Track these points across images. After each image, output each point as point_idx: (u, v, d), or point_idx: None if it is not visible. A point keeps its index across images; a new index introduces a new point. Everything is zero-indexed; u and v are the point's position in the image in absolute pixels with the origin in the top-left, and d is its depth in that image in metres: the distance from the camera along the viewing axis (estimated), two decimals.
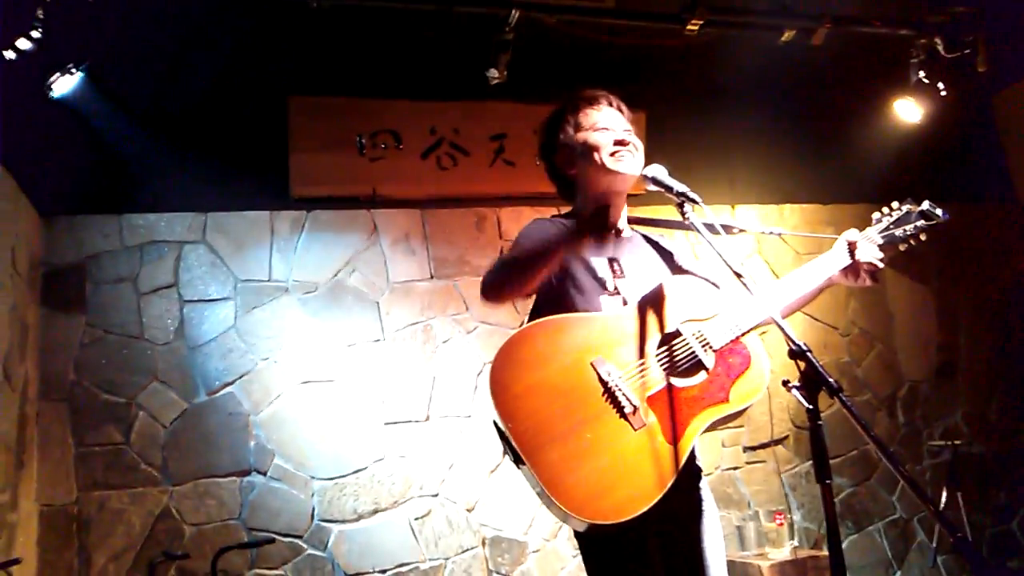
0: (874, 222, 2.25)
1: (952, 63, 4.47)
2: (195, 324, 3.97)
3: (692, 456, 2.05)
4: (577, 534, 2.06)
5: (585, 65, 4.43)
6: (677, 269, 2.28)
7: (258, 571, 3.77)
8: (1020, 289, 5.40)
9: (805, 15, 4.26)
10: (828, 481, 1.62)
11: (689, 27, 4.12)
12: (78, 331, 3.83)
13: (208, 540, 3.70)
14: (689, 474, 2.08)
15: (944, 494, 4.53)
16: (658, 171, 2.09)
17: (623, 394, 1.92)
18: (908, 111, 4.71)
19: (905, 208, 2.23)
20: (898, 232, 2.22)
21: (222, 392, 3.92)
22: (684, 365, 1.99)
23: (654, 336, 2.01)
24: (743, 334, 2.03)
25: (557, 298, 2.11)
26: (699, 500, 2.12)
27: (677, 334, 2.02)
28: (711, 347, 2.00)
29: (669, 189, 2.03)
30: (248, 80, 4.26)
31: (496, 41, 3.92)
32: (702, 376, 1.98)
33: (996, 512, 4.93)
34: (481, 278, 2.08)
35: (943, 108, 4.73)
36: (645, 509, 1.84)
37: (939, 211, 2.22)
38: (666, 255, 2.29)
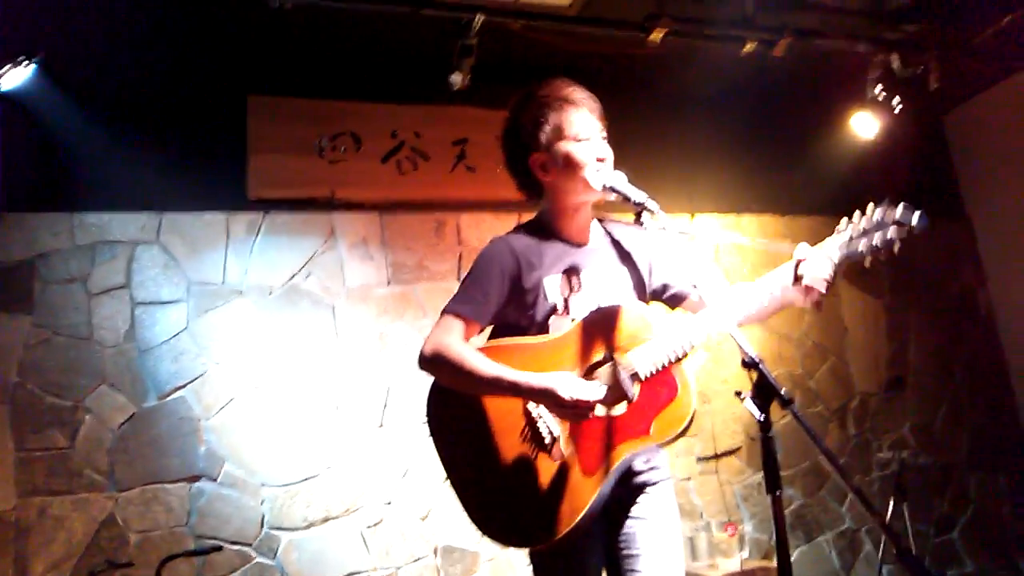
0: (836, 233, 1.98)
1: (906, 80, 4.56)
2: (147, 326, 3.88)
3: (630, 473, 2.05)
4: (528, 553, 2.07)
5: (548, 72, 4.44)
6: (646, 277, 2.24)
7: None
8: (966, 305, 5.53)
9: (767, 27, 4.32)
10: (778, 492, 1.62)
11: (652, 36, 4.15)
12: (23, 331, 3.71)
13: (154, 548, 3.62)
14: (634, 488, 2.08)
15: (891, 504, 4.61)
16: (617, 180, 2.09)
17: (545, 425, 1.95)
18: (864, 125, 4.80)
19: (877, 215, 1.91)
20: (862, 245, 1.91)
21: (173, 396, 3.84)
22: (609, 396, 1.96)
23: (584, 363, 2.01)
24: (672, 363, 1.97)
25: (512, 321, 2.13)
26: (643, 510, 2.09)
27: (607, 360, 2.02)
28: (638, 377, 1.98)
29: (627, 198, 2.03)
30: (207, 78, 4.19)
31: (460, 46, 3.90)
32: (623, 407, 1.97)
33: (939, 522, 5.04)
34: (421, 350, 2.05)
35: (897, 124, 4.83)
36: (551, 540, 1.88)
37: (915, 218, 1.87)
38: (636, 262, 2.25)
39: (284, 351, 4.02)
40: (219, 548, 3.62)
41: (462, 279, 2.17)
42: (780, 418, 3.99)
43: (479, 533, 1.90)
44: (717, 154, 4.94)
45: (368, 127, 4.36)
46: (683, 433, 1.97)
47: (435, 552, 4.04)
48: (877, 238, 1.89)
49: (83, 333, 3.79)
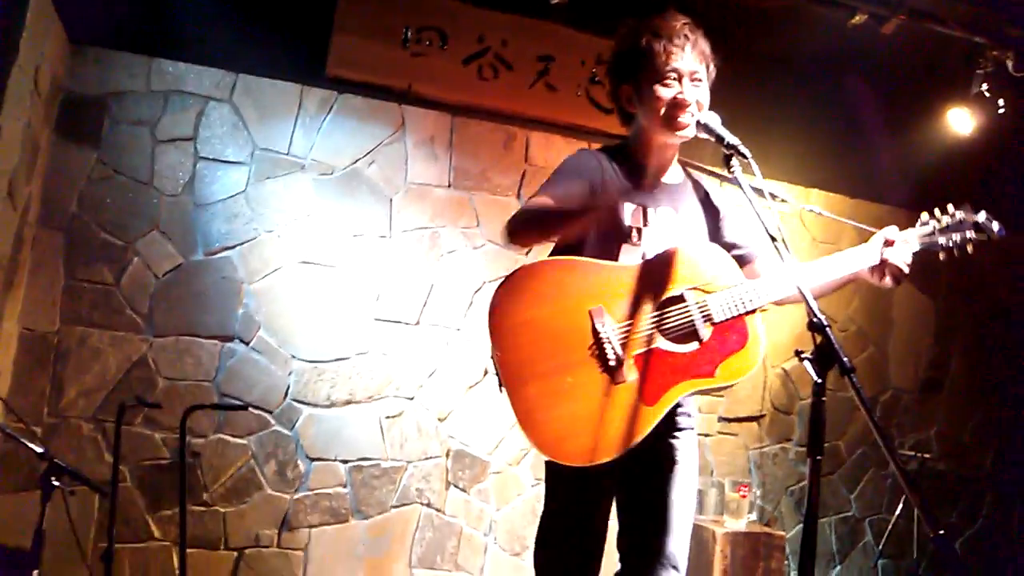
0: (919, 224, 2.17)
1: (1018, 82, 4.37)
2: (206, 182, 3.91)
3: (674, 412, 2.05)
4: (546, 460, 2.07)
5: (646, 5, 4.31)
6: (717, 229, 2.23)
7: (222, 436, 3.80)
8: (1019, 321, 5.39)
9: (882, 1, 4.14)
10: (819, 457, 1.64)
11: None
12: (88, 165, 3.76)
13: (179, 396, 3.71)
14: (669, 426, 2.08)
15: (902, 503, 4.60)
16: (712, 119, 2.05)
17: (611, 347, 1.93)
18: (961, 121, 4.62)
19: (959, 215, 2.15)
20: (941, 240, 2.14)
21: (220, 255, 3.89)
22: (679, 332, 1.98)
23: (659, 296, 1.99)
24: (747, 313, 1.99)
25: (581, 236, 2.09)
26: (671, 451, 2.12)
27: (680, 299, 2.00)
28: (711, 319, 1.97)
29: (720, 140, 2.00)
30: None
31: None
32: (694, 346, 1.97)
33: (945, 530, 5.00)
34: (506, 222, 2.04)
35: (996, 126, 4.64)
36: (603, 461, 1.87)
37: (995, 225, 2.14)
38: (712, 211, 2.23)
39: (335, 232, 4.04)
40: (243, 408, 3.71)
41: (545, 180, 2.12)
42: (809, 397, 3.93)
43: (527, 440, 1.88)
44: (797, 123, 4.79)
45: (457, 26, 4.28)
46: (740, 380, 1.99)
47: (447, 454, 4.10)
48: (956, 237, 2.13)
49: (144, 177, 3.83)
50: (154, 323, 3.77)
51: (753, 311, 2.00)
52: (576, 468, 1.89)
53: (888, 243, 2.11)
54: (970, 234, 2.12)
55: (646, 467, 2.08)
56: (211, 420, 3.79)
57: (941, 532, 1.51)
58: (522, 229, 2.05)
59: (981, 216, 2.14)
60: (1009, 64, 4.30)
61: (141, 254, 3.79)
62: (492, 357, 1.95)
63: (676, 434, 2.13)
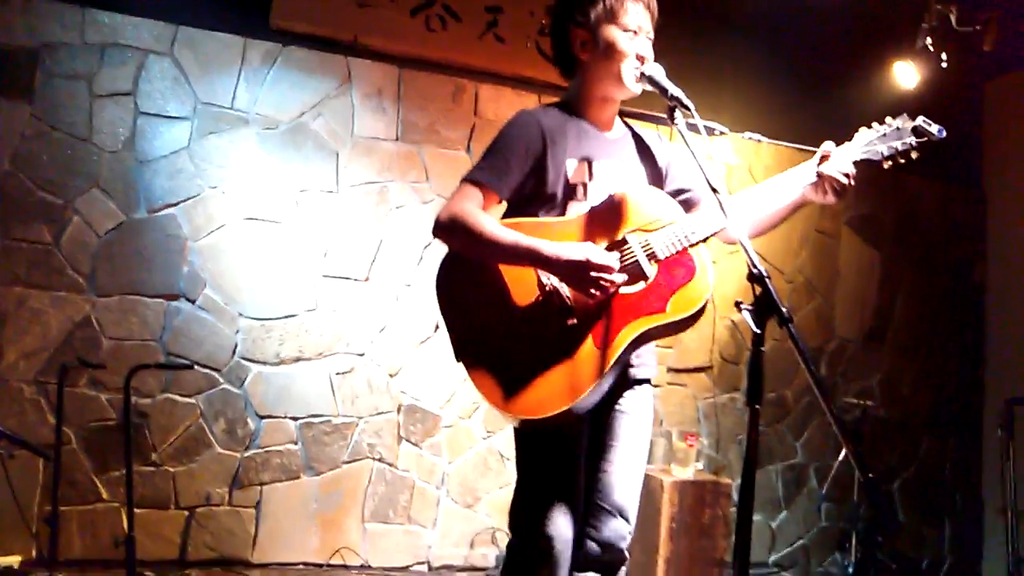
0: (856, 136, 2.14)
1: (960, 36, 4.42)
2: (148, 138, 3.81)
3: (628, 363, 2.08)
4: (515, 428, 2.09)
5: None
6: (661, 178, 2.24)
7: (170, 395, 3.77)
8: (961, 274, 5.53)
9: None
10: (758, 406, 1.67)
11: None
12: (21, 121, 3.64)
13: (124, 356, 3.66)
14: (625, 378, 2.11)
15: (844, 448, 4.73)
16: (656, 71, 2.06)
17: (559, 295, 1.93)
18: (906, 75, 4.67)
19: (896, 123, 2.10)
20: (882, 148, 2.08)
21: (163, 212, 3.81)
22: (625, 272, 1.98)
23: (602, 242, 2.00)
24: (691, 246, 2.00)
25: (527, 199, 2.10)
26: (628, 404, 2.14)
27: (624, 242, 2.01)
28: (656, 257, 1.99)
29: (664, 91, 2.00)
30: None
31: None
32: (641, 285, 1.98)
33: (883, 473, 5.18)
34: (439, 215, 2.00)
35: (939, 79, 4.70)
36: (564, 408, 1.89)
37: (934, 128, 2.06)
38: (654, 161, 2.24)
39: (282, 188, 3.98)
40: (190, 367, 3.68)
41: (486, 148, 2.10)
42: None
43: (486, 402, 1.89)
44: (748, 76, 4.80)
45: None
46: (699, 314, 1.98)
47: (398, 409, 4.12)
48: (898, 144, 2.08)
49: (82, 134, 3.72)
50: (96, 283, 3.70)
51: (695, 243, 2.00)
52: (547, 427, 1.91)
53: (825, 157, 2.08)
54: (911, 140, 2.07)
55: (604, 420, 2.11)
56: (158, 380, 3.75)
57: (870, 476, 1.55)
58: (449, 241, 2.03)
59: (919, 120, 2.08)
60: (952, 18, 4.34)
61: (81, 212, 3.70)
62: (446, 323, 1.96)
63: (634, 386, 2.15)
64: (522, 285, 1.96)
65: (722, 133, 2.50)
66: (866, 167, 2.11)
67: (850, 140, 2.15)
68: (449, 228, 1.98)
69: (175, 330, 3.79)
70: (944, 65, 4.53)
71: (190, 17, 3.90)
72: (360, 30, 4.13)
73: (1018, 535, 4.31)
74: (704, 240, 2.01)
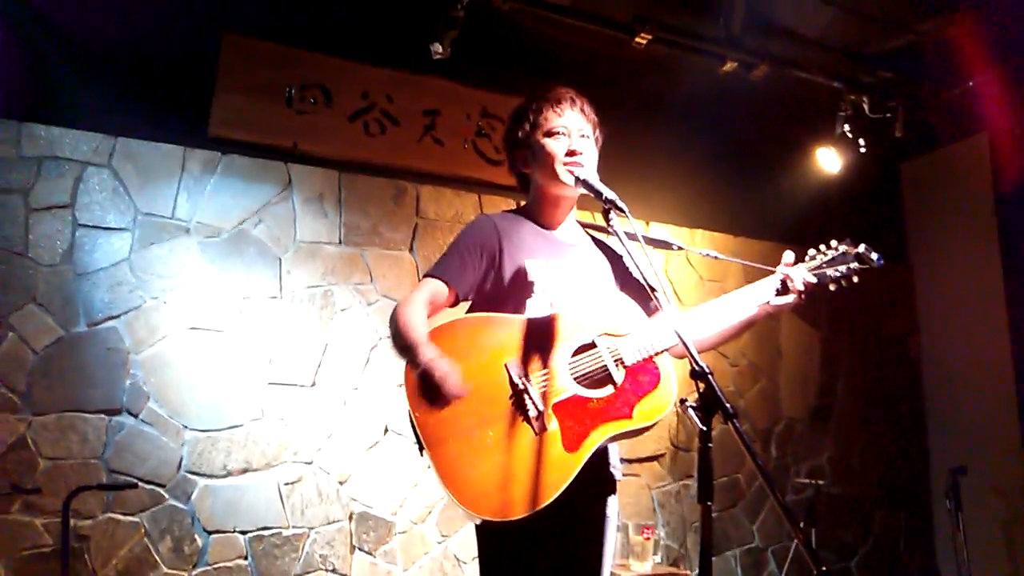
0: (807, 259, 2.30)
1: (874, 123, 4.68)
2: (86, 250, 3.76)
3: (604, 463, 2.12)
4: (476, 526, 2.07)
5: (528, 58, 4.43)
6: (618, 274, 2.33)
7: (113, 515, 3.61)
8: (895, 347, 5.70)
9: (749, 50, 4.38)
10: (709, 503, 1.69)
11: (637, 40, 4.19)
12: None
13: (63, 477, 3.51)
14: (599, 480, 2.13)
15: (801, 528, 4.74)
16: (589, 175, 2.14)
17: (530, 398, 1.96)
18: (828, 160, 4.92)
19: (841, 249, 2.29)
20: (830, 272, 2.27)
21: (104, 325, 3.73)
22: (594, 377, 2.04)
23: (570, 345, 2.05)
24: (656, 354, 2.07)
25: (489, 297, 2.18)
26: (603, 511, 2.18)
27: (592, 346, 2.06)
28: (623, 363, 2.04)
29: (598, 195, 2.08)
30: (183, 9, 4.07)
31: (446, 16, 3.88)
32: (609, 390, 2.03)
33: (840, 550, 5.20)
34: (395, 309, 2.08)
35: (859, 163, 4.96)
36: (531, 512, 1.88)
37: (874, 256, 2.29)
38: (612, 259, 2.35)
39: (224, 296, 3.94)
40: (134, 485, 3.55)
41: (444, 253, 2.22)
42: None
43: (452, 500, 1.87)
44: (680, 166, 4.98)
45: (340, 83, 4.29)
46: (658, 420, 2.04)
47: (350, 518, 4.01)
48: (842, 268, 2.26)
49: (17, 247, 3.66)
50: (32, 400, 3.58)
51: (661, 352, 2.07)
52: (510, 525, 1.89)
53: (787, 278, 2.23)
54: (854, 265, 2.27)
55: (573, 524, 2.11)
56: (99, 500, 3.60)
57: (824, 569, 1.57)
58: (389, 327, 2.08)
59: (861, 248, 2.30)
60: (865, 106, 4.61)
61: (16, 329, 3.60)
62: (410, 418, 1.95)
63: (608, 494, 2.19)
64: (493, 384, 1.97)
65: (680, 248, 2.62)
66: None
67: (793, 247, 2.34)
68: (392, 314, 2.08)
69: (117, 446, 3.66)
70: (863, 150, 4.78)
71: (129, 128, 3.91)
72: (299, 136, 4.19)
73: None
74: (667, 350, 2.09)
